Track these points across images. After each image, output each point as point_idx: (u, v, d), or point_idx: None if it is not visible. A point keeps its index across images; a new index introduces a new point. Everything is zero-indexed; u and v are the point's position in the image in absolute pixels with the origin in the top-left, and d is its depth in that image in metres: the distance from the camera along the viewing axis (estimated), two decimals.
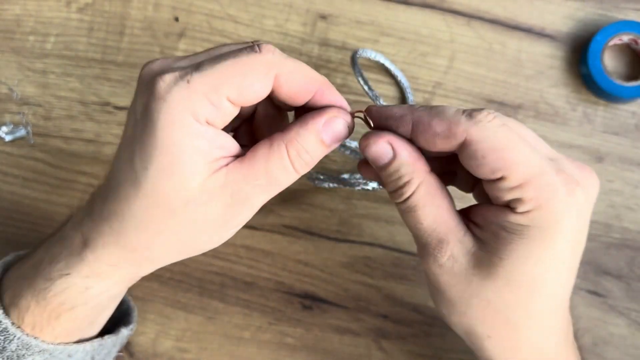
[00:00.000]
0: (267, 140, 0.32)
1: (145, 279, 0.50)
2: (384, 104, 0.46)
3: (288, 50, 0.52)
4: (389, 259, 0.50)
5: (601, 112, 0.51)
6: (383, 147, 0.33)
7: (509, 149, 0.31)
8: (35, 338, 0.36)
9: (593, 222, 0.50)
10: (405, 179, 0.33)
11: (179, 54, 0.52)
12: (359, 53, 0.48)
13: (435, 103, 0.51)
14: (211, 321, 0.50)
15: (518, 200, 0.31)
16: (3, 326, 0.35)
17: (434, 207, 0.33)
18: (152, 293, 0.50)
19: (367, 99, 0.51)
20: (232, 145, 0.32)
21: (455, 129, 0.31)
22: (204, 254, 0.50)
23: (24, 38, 0.53)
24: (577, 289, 0.50)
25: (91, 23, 0.53)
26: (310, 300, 0.50)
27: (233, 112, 0.31)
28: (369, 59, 0.50)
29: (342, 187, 0.49)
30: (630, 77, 0.51)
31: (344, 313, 0.50)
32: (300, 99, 0.33)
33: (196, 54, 0.33)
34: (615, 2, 0.52)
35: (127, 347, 0.49)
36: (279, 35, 0.52)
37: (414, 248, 0.37)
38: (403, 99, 0.52)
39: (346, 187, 0.49)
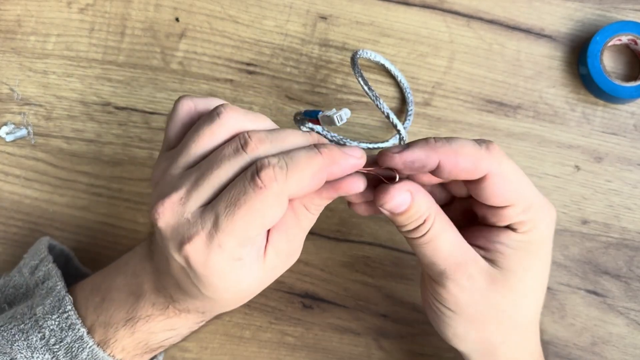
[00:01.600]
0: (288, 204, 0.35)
1: None
2: (384, 104, 0.46)
3: (289, 50, 0.52)
4: (389, 258, 0.50)
5: (600, 112, 0.51)
6: (405, 197, 0.35)
7: (519, 182, 0.36)
8: (103, 351, 0.40)
9: (592, 222, 0.50)
10: (424, 217, 0.36)
11: (180, 54, 0.52)
12: (359, 54, 0.48)
13: (435, 103, 0.51)
14: (212, 320, 0.50)
15: (521, 223, 0.36)
16: (79, 334, 0.39)
17: (449, 234, 0.36)
18: None
19: (367, 99, 0.51)
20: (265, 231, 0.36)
21: (480, 164, 0.34)
22: None
23: (25, 38, 0.53)
24: (576, 288, 0.50)
25: (92, 23, 0.53)
26: (310, 300, 0.50)
27: (264, 235, 0.35)
28: (369, 60, 0.51)
29: None
30: (629, 77, 0.51)
31: (344, 312, 0.50)
32: (317, 193, 0.36)
33: (195, 178, 0.34)
34: (614, 2, 0.52)
35: None
36: (280, 36, 0.52)
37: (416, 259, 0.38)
38: (403, 99, 0.52)
39: None
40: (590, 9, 0.52)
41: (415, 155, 0.35)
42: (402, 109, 0.52)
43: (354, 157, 0.35)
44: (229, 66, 0.52)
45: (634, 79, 0.51)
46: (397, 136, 0.48)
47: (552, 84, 0.52)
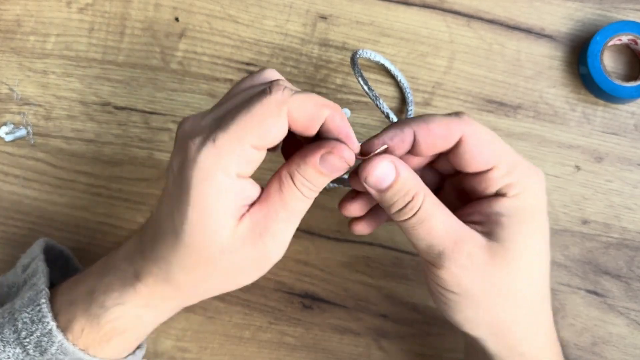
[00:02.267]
0: (276, 175, 0.35)
1: None
2: (384, 104, 0.46)
3: (288, 50, 0.52)
4: (389, 258, 0.50)
5: (600, 112, 0.51)
6: (387, 167, 0.35)
7: (495, 142, 0.36)
8: (73, 345, 0.38)
9: (593, 222, 0.50)
10: (412, 193, 0.35)
11: (179, 54, 0.52)
12: (359, 53, 0.48)
13: (435, 103, 0.51)
14: (211, 321, 0.50)
15: (508, 186, 0.36)
16: (49, 328, 0.38)
17: (441, 213, 0.36)
18: None
19: (367, 99, 0.51)
20: (255, 193, 0.35)
21: (453, 128, 0.35)
22: None
23: (25, 38, 0.53)
24: (576, 288, 0.50)
25: (92, 23, 0.53)
26: (310, 300, 0.50)
27: (259, 158, 0.34)
28: (368, 59, 0.50)
29: (342, 187, 0.49)
30: (629, 77, 0.51)
31: (344, 313, 0.50)
32: (312, 128, 0.34)
33: (221, 103, 0.36)
34: (614, 2, 0.52)
35: None
36: (279, 36, 0.52)
37: (413, 248, 0.37)
38: (403, 99, 0.52)
39: (346, 187, 0.49)
40: (591, 8, 0.52)
41: (391, 133, 0.36)
42: (402, 109, 0.52)
43: (348, 130, 0.35)
44: (228, 66, 0.52)
45: (634, 79, 0.51)
46: None
47: (552, 84, 0.52)
